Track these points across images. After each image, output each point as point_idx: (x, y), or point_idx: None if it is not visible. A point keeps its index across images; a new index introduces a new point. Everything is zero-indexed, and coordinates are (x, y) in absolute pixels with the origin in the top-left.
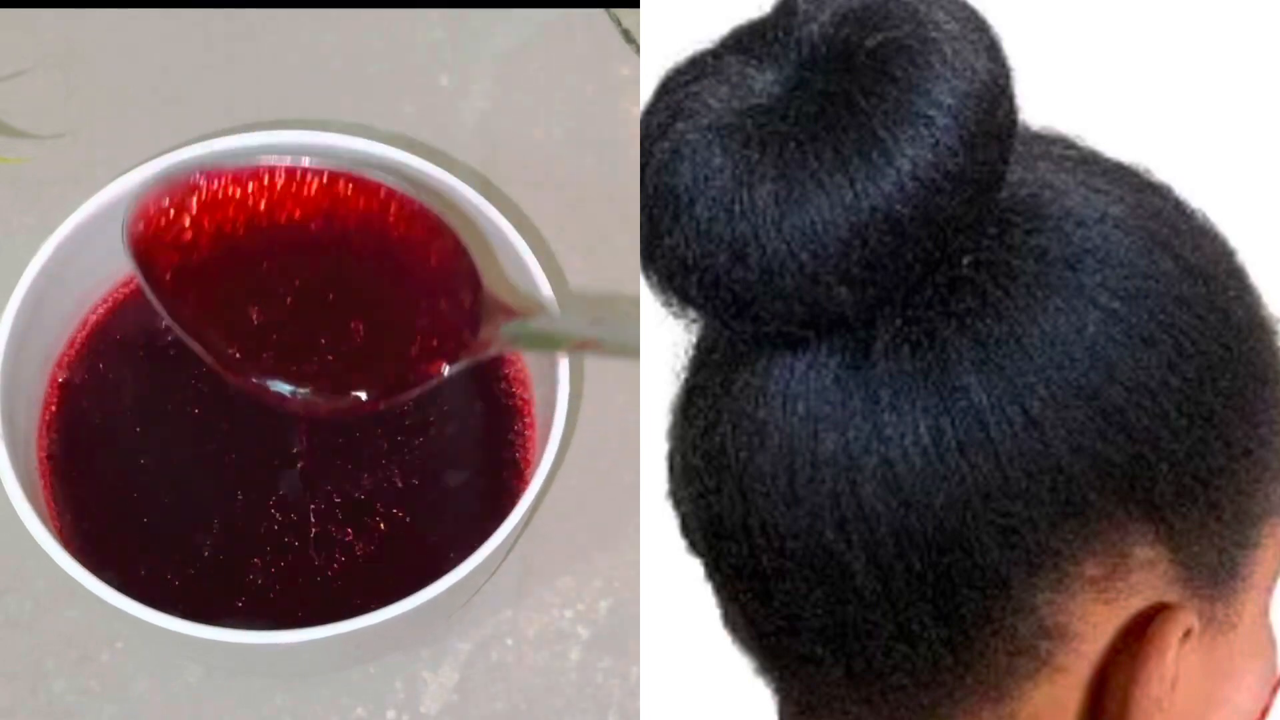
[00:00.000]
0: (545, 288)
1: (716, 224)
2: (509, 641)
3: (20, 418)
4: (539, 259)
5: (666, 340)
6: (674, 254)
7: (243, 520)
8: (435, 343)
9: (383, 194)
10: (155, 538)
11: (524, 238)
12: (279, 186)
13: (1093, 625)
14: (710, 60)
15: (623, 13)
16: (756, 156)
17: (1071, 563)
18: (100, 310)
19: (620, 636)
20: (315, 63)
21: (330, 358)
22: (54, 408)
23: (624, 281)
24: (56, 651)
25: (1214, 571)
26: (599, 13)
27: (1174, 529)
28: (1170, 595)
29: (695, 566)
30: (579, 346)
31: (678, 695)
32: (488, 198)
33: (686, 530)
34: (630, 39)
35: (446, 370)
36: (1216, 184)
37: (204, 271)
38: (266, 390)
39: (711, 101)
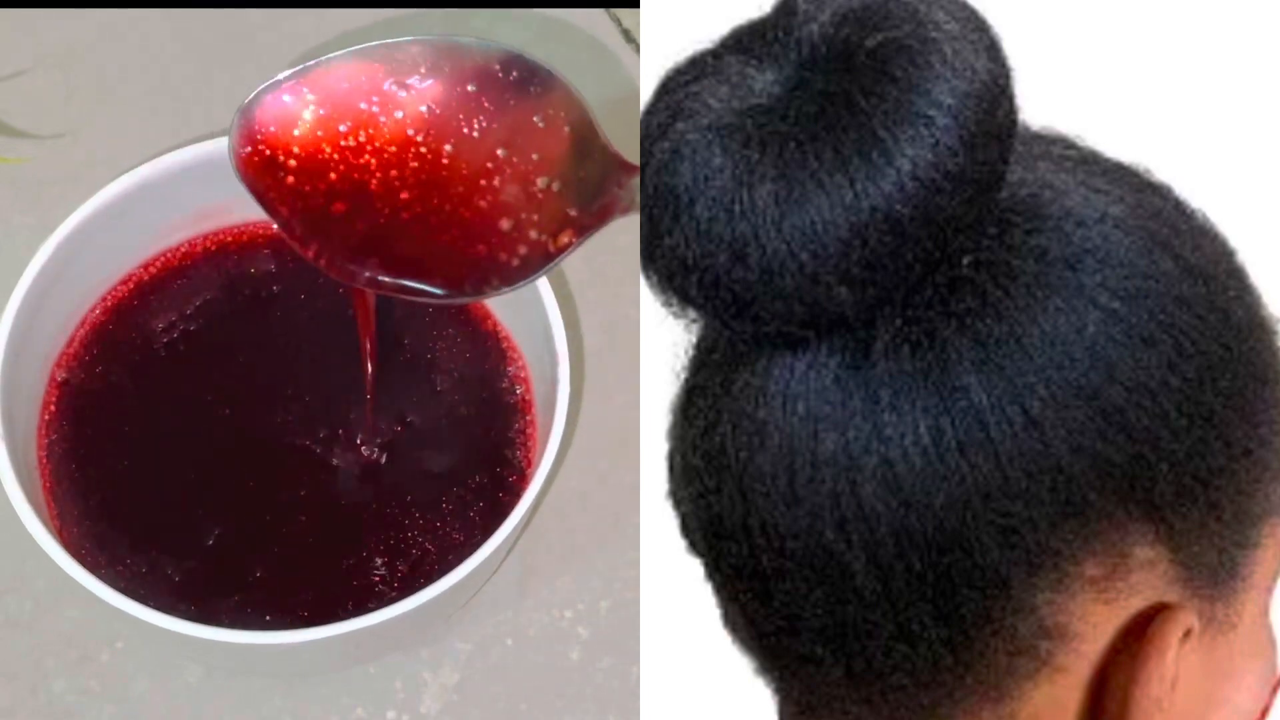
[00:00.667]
0: (545, 289)
1: (716, 224)
2: (509, 641)
3: (20, 417)
4: None
5: (666, 340)
6: (674, 254)
7: (243, 520)
8: (570, 213)
9: (502, 60)
10: (155, 537)
11: None
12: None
13: (1093, 625)
14: (710, 60)
15: (623, 13)
16: (756, 156)
17: (1071, 563)
18: (100, 310)
19: (620, 636)
20: None
21: (447, 243)
22: (54, 407)
23: (624, 281)
24: (56, 651)
25: (1214, 571)
26: (599, 13)
27: (1174, 529)
28: (1170, 595)
29: (695, 566)
30: None
31: (678, 695)
32: None
33: (686, 530)
34: (630, 39)
35: (574, 242)
36: (1216, 184)
37: (303, 170)
38: (384, 285)
39: (711, 101)
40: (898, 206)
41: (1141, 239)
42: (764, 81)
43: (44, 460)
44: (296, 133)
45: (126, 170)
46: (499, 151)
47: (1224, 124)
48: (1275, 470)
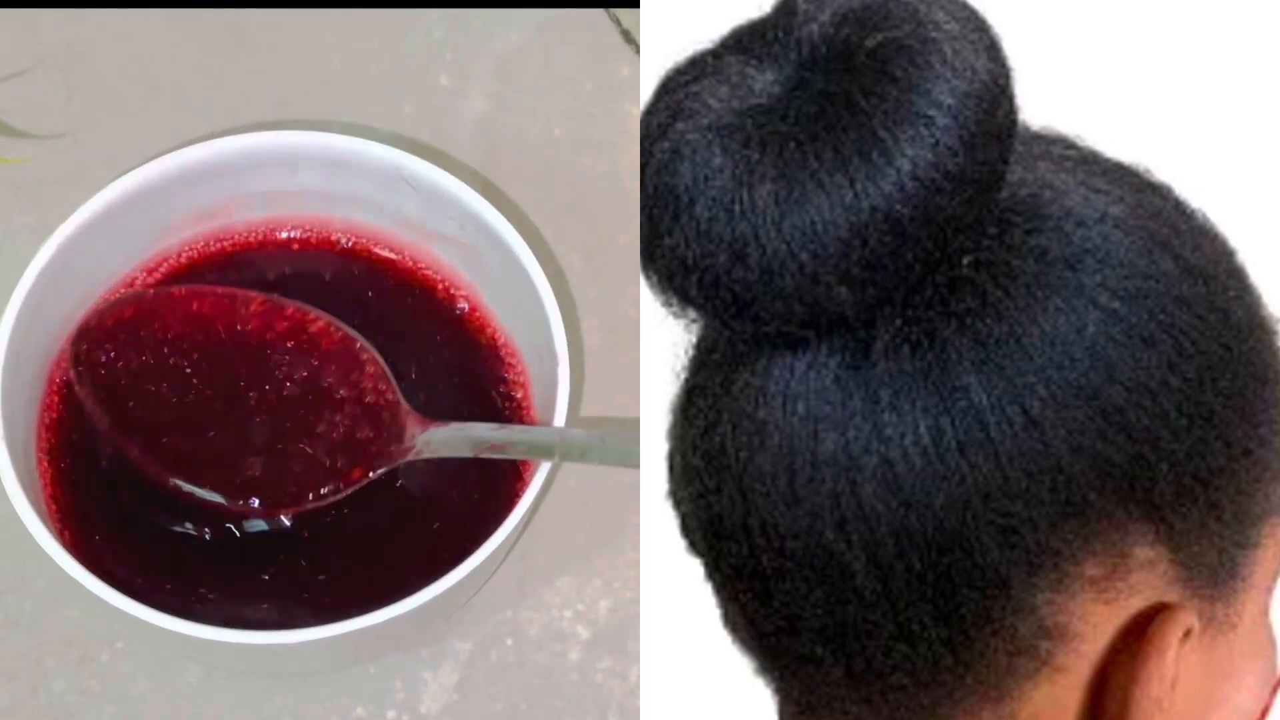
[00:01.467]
0: (545, 289)
1: (716, 224)
2: (509, 641)
3: (20, 418)
4: (539, 259)
5: (666, 340)
6: (674, 254)
7: (243, 520)
8: (356, 453)
9: (310, 317)
10: (155, 538)
11: (524, 238)
12: (211, 307)
13: (1093, 625)
14: (710, 60)
15: (622, 13)
16: (756, 156)
17: (1071, 563)
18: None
19: (620, 636)
20: (315, 63)
21: (253, 469)
22: (54, 408)
23: (624, 282)
24: (57, 651)
25: (1214, 571)
26: (599, 13)
27: (1174, 529)
28: (1170, 595)
29: (695, 566)
30: (492, 449)
31: (678, 695)
32: (487, 198)
33: (686, 530)
34: (630, 39)
35: (369, 476)
36: (1216, 184)
37: (136, 378)
38: (185, 493)
39: (711, 101)
40: (898, 206)
41: (1141, 239)
42: (764, 81)
43: (44, 461)
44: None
45: (127, 171)
46: (323, 394)
47: (1224, 124)
48: (1275, 470)
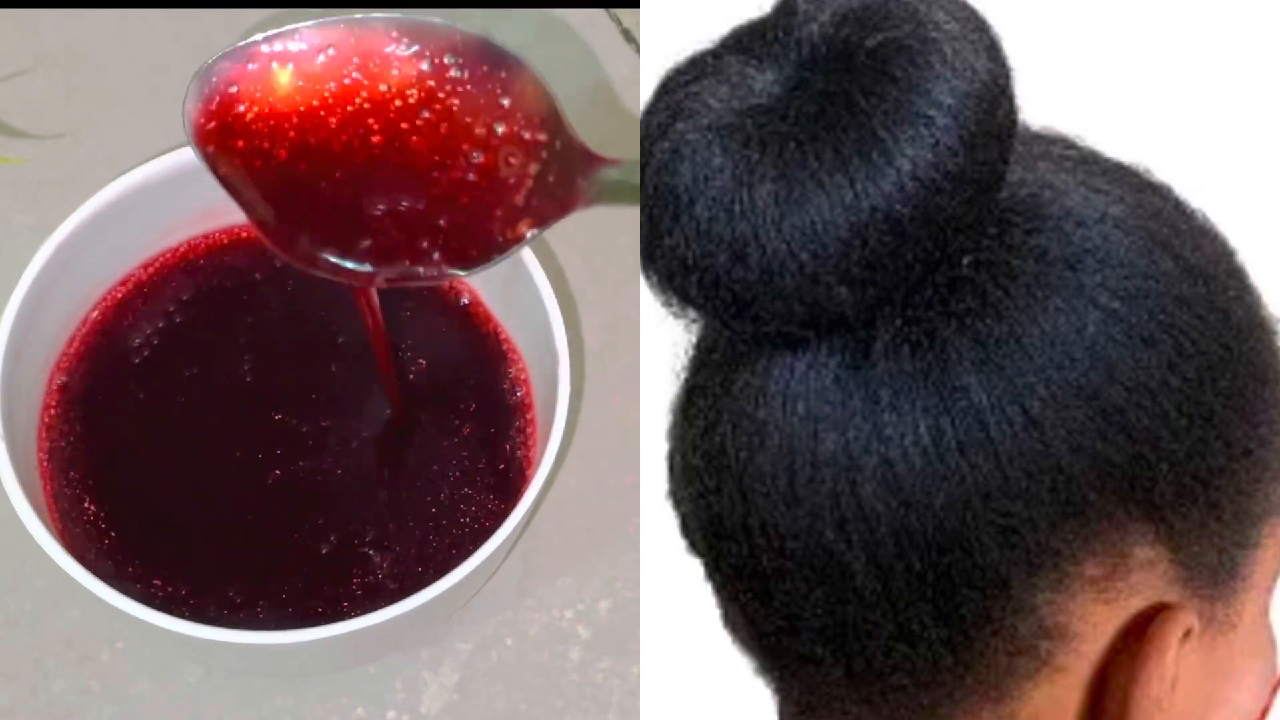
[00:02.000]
0: (546, 288)
1: (716, 224)
2: (509, 641)
3: (20, 418)
4: (539, 259)
5: (666, 340)
6: (674, 254)
7: (242, 520)
8: (520, 202)
9: (466, 44)
10: (156, 538)
11: None
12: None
13: (1093, 625)
14: (710, 60)
15: (622, 12)
16: (756, 156)
17: (1071, 563)
18: (100, 310)
19: (620, 636)
20: None
21: (416, 223)
22: (54, 410)
23: (624, 281)
24: (57, 651)
25: (1214, 571)
26: (598, 12)
27: (1174, 529)
28: (1170, 595)
29: (695, 566)
30: None
31: (678, 695)
32: None
33: (686, 530)
34: (630, 39)
35: (534, 231)
36: (1216, 184)
37: (272, 156)
38: (348, 272)
39: (711, 101)
40: (898, 206)
41: (1141, 239)
42: (764, 81)
43: (44, 461)
44: (258, 95)
45: (126, 170)
46: (468, 131)
47: (1224, 124)
48: (1275, 470)
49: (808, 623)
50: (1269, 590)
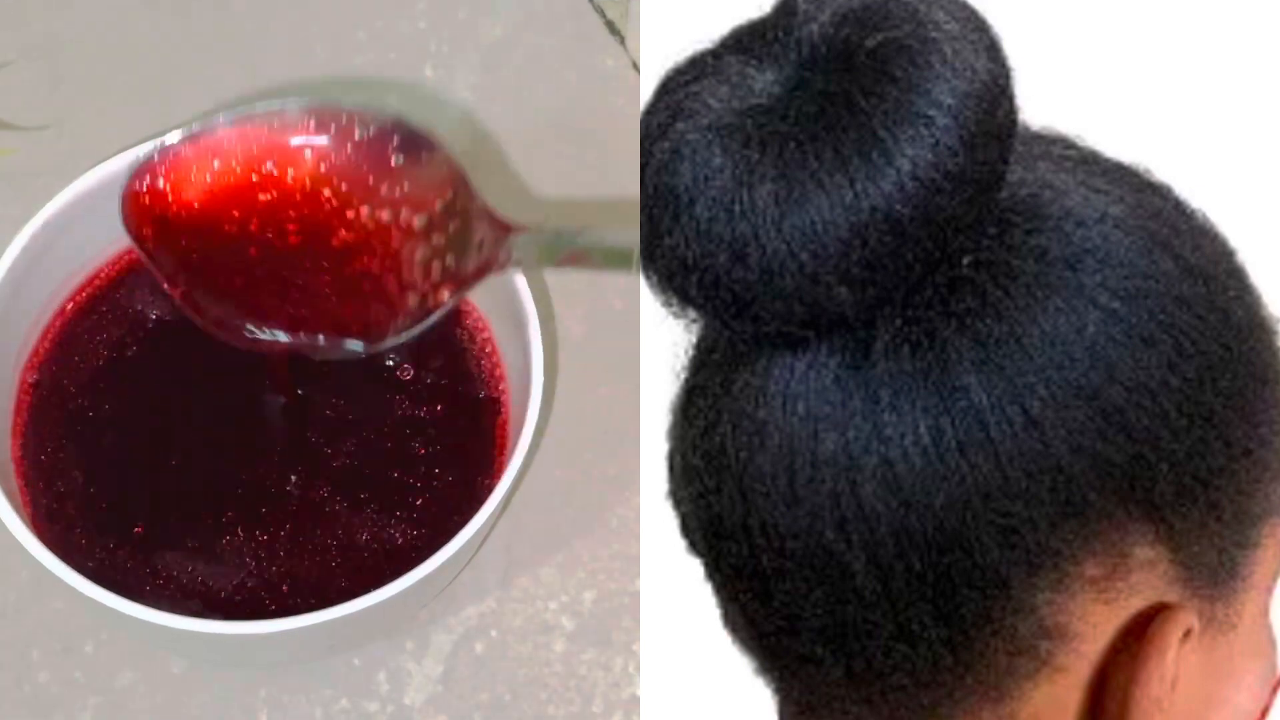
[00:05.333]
0: (520, 277)
1: (716, 224)
2: (493, 633)
3: None
4: None
5: (666, 340)
6: (674, 254)
7: (218, 513)
8: (437, 272)
9: (383, 126)
10: (131, 530)
11: None
12: (262, 139)
13: (1093, 625)
14: (710, 60)
15: (607, 3)
16: (756, 156)
17: (1071, 563)
18: (75, 302)
19: (605, 628)
20: (299, 54)
21: (331, 301)
22: (28, 402)
23: (619, 277)
24: (41, 643)
25: (1214, 571)
26: (583, 4)
27: (1174, 529)
28: (1170, 595)
29: (695, 566)
30: (569, 259)
31: (677, 695)
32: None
33: (686, 530)
34: (615, 30)
35: (448, 297)
36: (1216, 184)
37: (190, 230)
38: (264, 343)
39: (711, 101)
40: (898, 206)
41: (1141, 239)
42: (764, 81)
43: (19, 459)
44: (186, 191)
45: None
46: (382, 212)
47: (1224, 124)
48: (1275, 470)
49: (808, 623)
50: (1269, 590)
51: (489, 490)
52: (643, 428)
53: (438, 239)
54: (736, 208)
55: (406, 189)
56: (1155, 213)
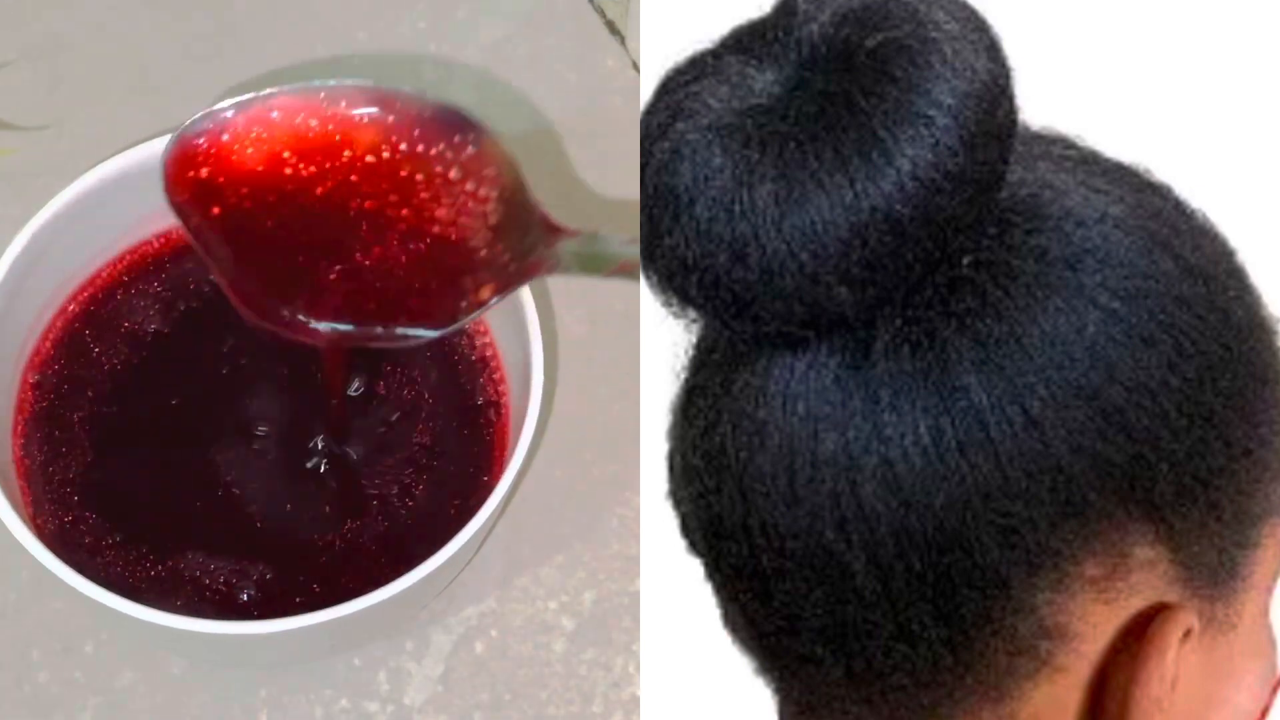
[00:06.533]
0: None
1: (716, 224)
2: (493, 633)
3: None
4: None
5: (666, 340)
6: (674, 254)
7: (220, 513)
8: (482, 269)
9: (435, 114)
10: (132, 529)
11: None
12: (316, 123)
13: (1093, 625)
14: (710, 60)
15: (607, 4)
16: (756, 156)
17: (1071, 563)
18: (77, 303)
19: (605, 628)
20: (299, 54)
21: (377, 291)
22: (29, 401)
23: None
24: (41, 643)
25: (1214, 571)
26: (584, 4)
27: (1174, 529)
28: (1170, 595)
29: (695, 566)
30: (622, 269)
31: (677, 695)
32: None
33: (686, 530)
34: (615, 30)
35: (495, 297)
36: (1216, 184)
37: (243, 214)
38: (309, 330)
39: (711, 101)
40: (898, 206)
41: (1141, 239)
42: (764, 81)
43: (20, 459)
44: (232, 156)
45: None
46: (431, 200)
47: (1224, 124)
48: (1275, 470)
49: (808, 623)
50: (1269, 590)
51: (489, 490)
52: (643, 428)
53: (496, 225)
54: (736, 208)
55: (468, 173)
56: (1155, 213)
